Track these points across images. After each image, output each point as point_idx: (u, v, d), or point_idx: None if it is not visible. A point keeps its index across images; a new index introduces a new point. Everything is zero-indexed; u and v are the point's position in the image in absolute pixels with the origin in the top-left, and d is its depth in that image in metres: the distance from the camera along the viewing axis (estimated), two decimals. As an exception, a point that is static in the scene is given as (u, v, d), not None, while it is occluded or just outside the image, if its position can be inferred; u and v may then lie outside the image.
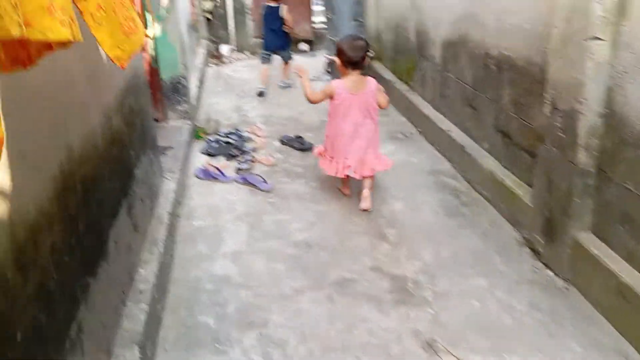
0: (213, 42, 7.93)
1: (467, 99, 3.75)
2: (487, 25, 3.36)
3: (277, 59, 6.38)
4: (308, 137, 4.65)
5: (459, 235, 3.09)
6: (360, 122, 3.34)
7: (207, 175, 3.90)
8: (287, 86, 6.31)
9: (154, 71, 4.30)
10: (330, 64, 5.56)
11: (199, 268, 2.79)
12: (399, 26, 5.22)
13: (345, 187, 3.60)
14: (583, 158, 2.39)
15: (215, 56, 7.85)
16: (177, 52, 4.32)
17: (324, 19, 5.86)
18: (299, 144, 4.44)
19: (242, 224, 3.26)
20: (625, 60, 2.14)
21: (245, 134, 4.75)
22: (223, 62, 7.80)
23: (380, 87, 3.46)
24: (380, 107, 3.43)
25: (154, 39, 4.23)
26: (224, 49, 8.09)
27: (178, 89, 4.41)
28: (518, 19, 2.98)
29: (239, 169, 4.01)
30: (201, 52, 7.12)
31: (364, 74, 3.44)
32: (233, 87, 6.43)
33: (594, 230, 2.49)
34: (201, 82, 6.15)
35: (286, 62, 6.29)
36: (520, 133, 3.06)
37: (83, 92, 1.91)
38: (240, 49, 8.31)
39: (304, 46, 8.43)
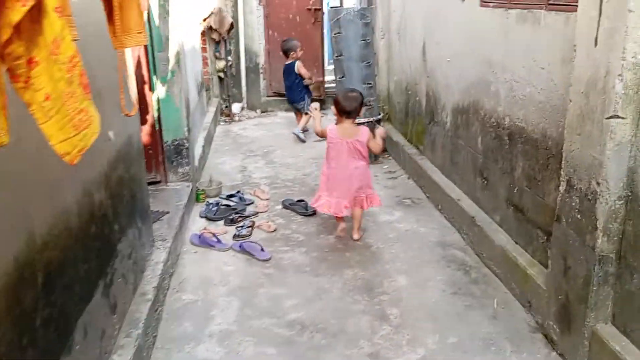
0: (225, 100, 7.93)
1: (478, 168, 3.57)
2: (499, 93, 3.22)
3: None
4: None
5: (467, 317, 2.85)
6: (349, 165, 3.66)
7: (203, 242, 3.73)
8: (300, 138, 6.36)
9: (156, 133, 4.21)
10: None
11: (182, 351, 2.57)
12: (409, 89, 5.13)
13: (341, 229, 3.81)
14: (603, 243, 2.17)
15: (226, 114, 7.83)
16: (181, 114, 4.24)
17: (335, 79, 5.78)
18: (302, 209, 4.26)
19: (235, 299, 3.05)
20: (648, 142, 1.96)
21: (248, 197, 4.60)
22: (234, 120, 7.77)
23: (372, 135, 3.79)
24: (372, 151, 3.80)
25: (159, 101, 4.16)
26: (235, 107, 8.08)
27: (180, 151, 4.30)
28: (531, 90, 2.83)
29: (238, 236, 3.83)
30: (212, 110, 7.10)
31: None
32: (240, 146, 6.34)
33: (615, 322, 2.24)
34: (208, 140, 6.07)
35: (300, 114, 6.66)
36: (534, 209, 2.86)
37: (55, 170, 1.77)
38: (251, 107, 8.30)
39: (315, 105, 8.38)
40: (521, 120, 2.96)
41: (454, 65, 3.94)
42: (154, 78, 4.10)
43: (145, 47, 4.01)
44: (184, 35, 4.88)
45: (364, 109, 5.33)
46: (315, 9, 7.51)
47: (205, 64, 7.57)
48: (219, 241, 3.74)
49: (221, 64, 7.70)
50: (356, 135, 3.66)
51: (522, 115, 2.94)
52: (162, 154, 4.29)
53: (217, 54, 7.61)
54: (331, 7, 5.69)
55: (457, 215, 3.78)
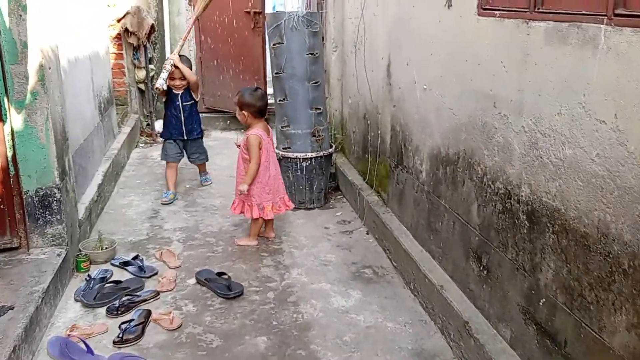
0: (146, 116, 6.62)
1: (472, 247, 2.48)
2: (511, 147, 2.13)
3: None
4: (240, 270, 3.29)
5: None
6: (276, 161, 3.72)
7: (65, 354, 2.46)
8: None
9: (10, 180, 2.92)
10: (279, 160, 4.31)
11: None
12: (369, 118, 4.02)
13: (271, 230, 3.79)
14: None
15: (147, 134, 6.52)
16: (49, 153, 2.96)
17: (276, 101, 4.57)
18: (223, 288, 3.05)
19: None
20: None
21: (151, 264, 3.36)
22: (156, 141, 6.46)
23: None
24: None
25: (13, 134, 2.87)
26: (159, 124, 6.78)
27: (49, 204, 3.02)
28: (576, 153, 1.75)
29: (121, 339, 2.58)
30: (126, 130, 5.78)
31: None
32: (156, 179, 5.05)
33: None
34: (113, 174, 4.77)
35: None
36: (582, 347, 1.77)
37: None
38: (179, 124, 7.01)
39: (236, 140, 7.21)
40: (554, 197, 1.87)
41: (433, 95, 2.85)
42: (4, 102, 2.81)
43: (-11, 56, 2.73)
44: (65, 39, 3.60)
45: (312, 140, 4.22)
46: (255, 12, 6.32)
47: (121, 73, 6.26)
48: (89, 351, 2.49)
49: (141, 74, 6.38)
50: (270, 130, 3.68)
51: (557, 189, 1.86)
52: (21, 209, 3.00)
53: (136, 61, 6.30)
54: (271, 13, 4.54)
55: (440, 308, 2.67)
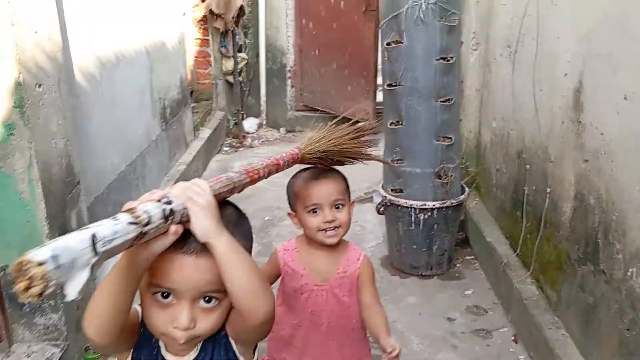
0: (234, 114, 5.64)
1: None
2: None
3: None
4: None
5: None
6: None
7: None
8: None
9: (-22, 251, 1.96)
10: (387, 205, 3.06)
11: None
12: (529, 160, 2.63)
13: None
14: None
15: (234, 135, 5.54)
16: (35, 212, 1.96)
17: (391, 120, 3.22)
18: None
19: None
20: None
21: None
22: (244, 145, 5.46)
23: None
24: None
25: (-19, 183, 1.89)
26: (249, 124, 5.79)
27: (37, 285, 2.04)
28: None
29: None
30: (204, 135, 4.81)
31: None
32: (236, 200, 4.01)
33: None
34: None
35: None
36: None
37: None
38: (272, 124, 5.97)
39: (362, 127, 5.98)
40: None
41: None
42: (-37, 139, 1.82)
43: None
44: (96, 29, 2.58)
45: (436, 183, 2.92)
46: (370, -8, 5.03)
47: (206, 62, 5.31)
48: None
49: (229, 64, 5.38)
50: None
51: None
52: (-4, 292, 2.04)
53: (224, 49, 5.29)
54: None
55: None
